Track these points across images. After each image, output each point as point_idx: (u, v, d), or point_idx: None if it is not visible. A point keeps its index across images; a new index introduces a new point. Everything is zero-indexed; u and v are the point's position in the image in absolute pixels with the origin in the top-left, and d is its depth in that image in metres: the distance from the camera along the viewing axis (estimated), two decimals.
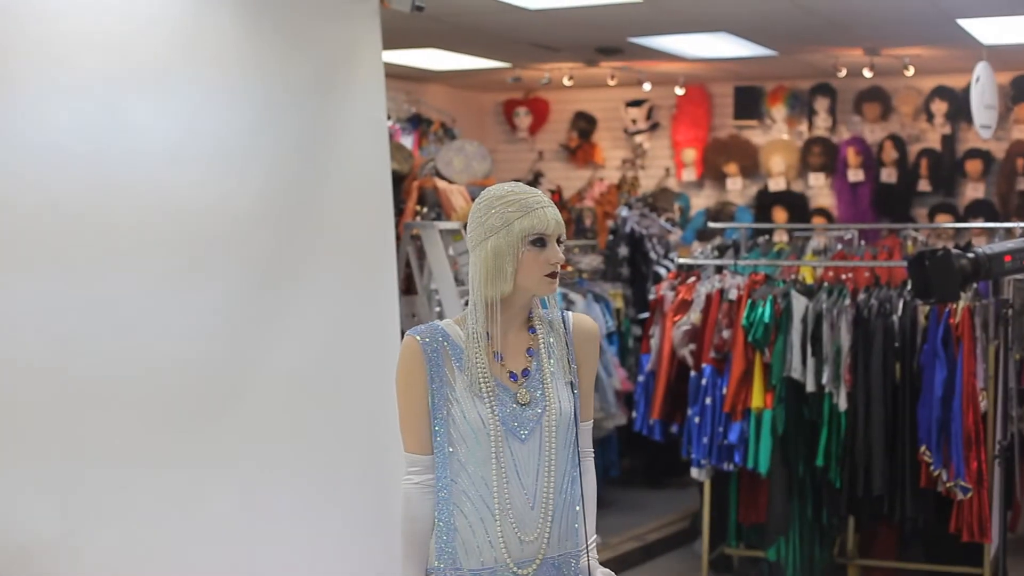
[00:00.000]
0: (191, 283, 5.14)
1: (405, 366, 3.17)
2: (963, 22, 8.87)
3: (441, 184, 7.47)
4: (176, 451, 4.92)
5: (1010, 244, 5.85)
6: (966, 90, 11.11)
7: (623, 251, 9.92)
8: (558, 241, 3.16)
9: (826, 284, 6.86)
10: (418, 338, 3.17)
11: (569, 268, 9.74)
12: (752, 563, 7.41)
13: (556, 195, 12.96)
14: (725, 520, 7.28)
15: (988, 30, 9.23)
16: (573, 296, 8.79)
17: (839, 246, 7.57)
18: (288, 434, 5.43)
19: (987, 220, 11.18)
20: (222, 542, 5.08)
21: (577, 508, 3.24)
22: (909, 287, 6.62)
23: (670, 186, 12.84)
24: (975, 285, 6.33)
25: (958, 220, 11.46)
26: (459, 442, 3.13)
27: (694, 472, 7.07)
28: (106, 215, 4.77)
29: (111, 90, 4.88)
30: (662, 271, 9.87)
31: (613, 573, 3.35)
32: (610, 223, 10.55)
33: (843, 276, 6.93)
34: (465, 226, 7.38)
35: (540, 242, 3.12)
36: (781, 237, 10.11)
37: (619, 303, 9.61)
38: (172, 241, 5.09)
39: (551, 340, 3.26)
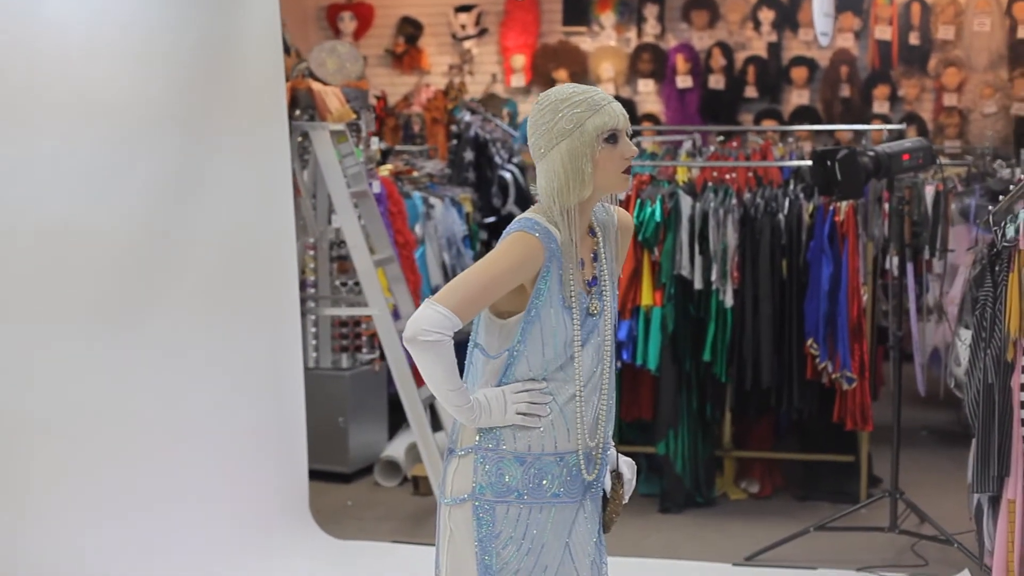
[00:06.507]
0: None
1: (516, 257, 3.04)
2: None
3: (316, 85, 7.32)
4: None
5: (907, 143, 6.09)
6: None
7: (468, 156, 9.93)
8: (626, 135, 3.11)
9: (710, 184, 6.98)
10: (539, 240, 3.06)
11: (415, 172, 9.70)
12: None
13: (382, 101, 12.85)
14: None
15: None
16: (433, 200, 8.76)
17: (711, 148, 7.71)
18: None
19: (811, 125, 11.54)
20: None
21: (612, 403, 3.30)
22: (795, 185, 6.83)
23: (497, 92, 12.85)
24: None
25: (783, 125, 11.77)
26: (533, 337, 3.10)
27: None
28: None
29: None
30: (507, 175, 9.93)
31: (633, 463, 3.41)
32: (453, 127, 10.53)
33: (727, 176, 7.06)
34: (348, 126, 7.29)
35: (613, 138, 3.06)
36: None
37: (468, 207, 9.62)
38: (92, 137, 5.24)
39: (607, 240, 3.26)
